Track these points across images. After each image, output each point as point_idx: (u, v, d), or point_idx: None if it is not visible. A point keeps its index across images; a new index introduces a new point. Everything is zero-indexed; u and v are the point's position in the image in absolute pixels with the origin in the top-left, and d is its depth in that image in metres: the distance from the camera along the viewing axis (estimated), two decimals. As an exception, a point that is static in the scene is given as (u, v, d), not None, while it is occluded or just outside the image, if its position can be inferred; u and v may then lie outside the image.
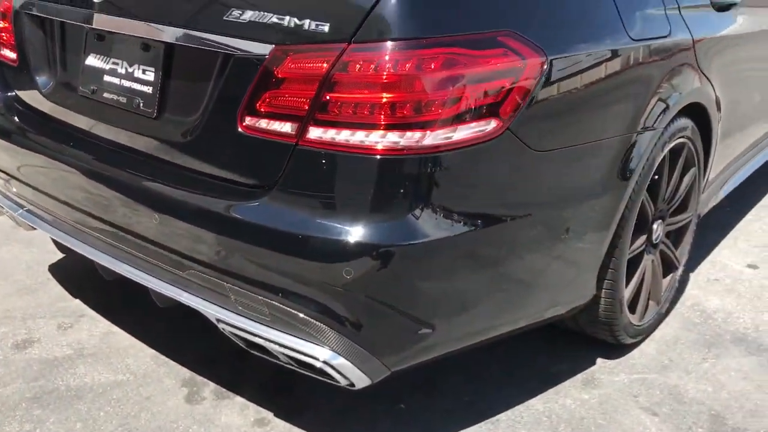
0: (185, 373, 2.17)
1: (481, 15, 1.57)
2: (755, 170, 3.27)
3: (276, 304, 1.60)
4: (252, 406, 2.03)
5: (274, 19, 1.56)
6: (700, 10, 2.26)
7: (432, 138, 1.50)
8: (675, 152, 2.24)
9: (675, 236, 2.50)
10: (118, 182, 1.87)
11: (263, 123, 1.60)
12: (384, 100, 1.48)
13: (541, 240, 1.78)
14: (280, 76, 1.56)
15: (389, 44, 1.47)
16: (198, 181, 1.73)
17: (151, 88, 1.83)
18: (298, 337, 1.62)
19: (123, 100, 1.90)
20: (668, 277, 2.49)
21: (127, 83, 1.89)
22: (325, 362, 1.59)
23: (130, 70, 1.89)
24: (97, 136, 1.99)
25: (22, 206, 2.23)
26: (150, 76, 1.84)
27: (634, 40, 1.89)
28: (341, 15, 1.51)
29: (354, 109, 1.50)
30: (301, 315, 1.57)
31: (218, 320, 1.74)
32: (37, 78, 2.14)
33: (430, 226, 1.53)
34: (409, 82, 1.48)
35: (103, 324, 2.42)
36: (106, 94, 1.95)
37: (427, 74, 1.48)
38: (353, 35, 1.48)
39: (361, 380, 1.62)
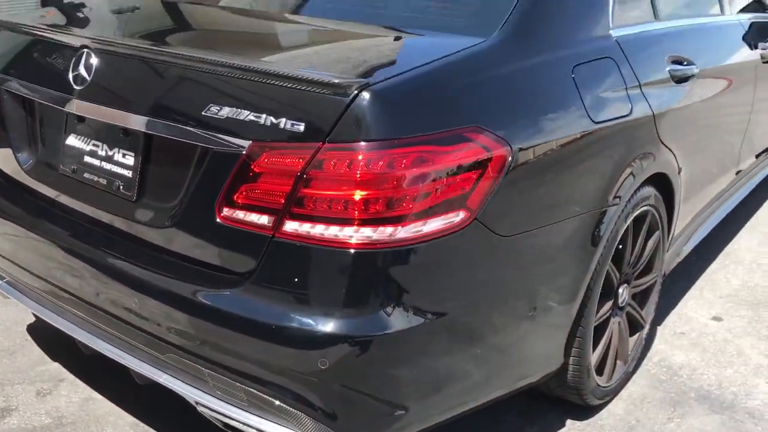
0: (164, 442, 2.21)
1: (448, 114, 1.65)
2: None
3: (253, 391, 1.66)
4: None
5: (252, 117, 1.62)
6: (660, 85, 2.36)
7: (404, 232, 1.57)
8: (639, 220, 2.33)
9: (641, 297, 2.59)
10: (97, 261, 1.92)
11: (240, 214, 1.66)
12: (357, 196, 1.55)
13: (510, 319, 1.86)
14: (256, 170, 1.62)
15: (362, 144, 1.54)
16: (176, 265, 1.79)
17: (131, 172, 1.89)
18: (276, 423, 1.67)
19: (103, 181, 1.95)
20: (635, 336, 2.58)
21: (107, 165, 1.95)
22: None
23: (110, 153, 1.94)
24: (78, 214, 2.03)
25: (1, 277, 2.26)
26: (130, 160, 1.89)
27: (596, 122, 1.98)
28: (316, 115, 1.58)
29: (329, 204, 1.57)
30: (277, 402, 1.63)
31: (197, 402, 1.79)
32: (18, 154, 2.19)
33: (402, 315, 1.59)
34: (381, 180, 1.55)
35: (83, 389, 2.45)
36: (86, 175, 2.00)
37: (398, 172, 1.55)
38: (328, 135, 1.55)
39: None
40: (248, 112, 1.63)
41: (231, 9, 2.42)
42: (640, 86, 2.22)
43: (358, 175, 1.54)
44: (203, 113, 1.68)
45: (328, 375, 1.57)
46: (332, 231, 1.56)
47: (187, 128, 1.72)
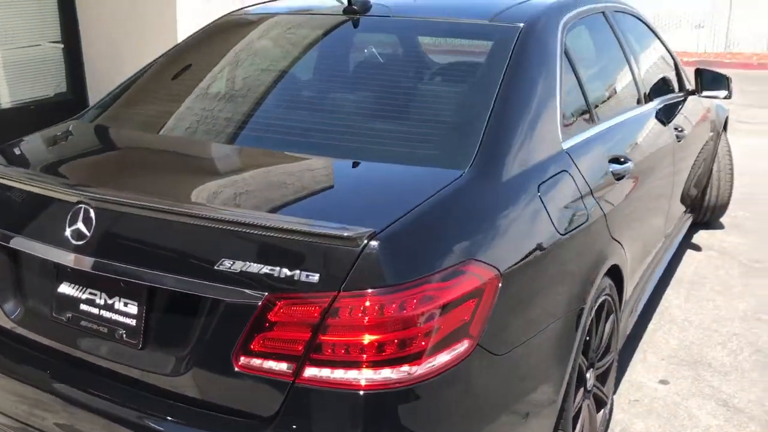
0: None
1: (446, 251, 1.79)
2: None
3: None
4: None
5: (266, 270, 1.71)
6: (606, 187, 2.60)
7: (420, 369, 1.68)
8: (599, 309, 2.54)
9: (602, 375, 2.79)
10: (102, 410, 1.93)
11: (259, 362, 1.73)
12: (374, 340, 1.66)
13: (507, 429, 1.99)
14: (273, 320, 1.71)
15: (374, 290, 1.65)
16: (190, 412, 1.83)
17: (134, 321, 1.93)
18: None
19: (104, 330, 1.97)
20: (600, 413, 2.77)
21: (107, 314, 1.98)
22: None
23: (109, 301, 1.97)
24: (76, 361, 2.04)
25: None
26: (132, 309, 1.93)
27: (562, 234, 2.18)
28: (329, 266, 1.68)
29: (347, 349, 1.67)
30: None
31: None
32: (3, 305, 2.17)
33: None
34: (395, 322, 1.66)
35: None
36: (83, 323, 2.01)
37: (409, 313, 1.67)
38: (342, 284, 1.66)
39: None
40: (261, 265, 1.72)
41: (199, 145, 2.44)
42: (591, 192, 2.44)
43: (373, 320, 1.65)
44: (215, 267, 1.76)
45: None
46: (352, 374, 1.66)
47: (198, 281, 1.78)
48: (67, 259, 1.97)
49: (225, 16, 3.13)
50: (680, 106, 3.90)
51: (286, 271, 1.70)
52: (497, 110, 2.18)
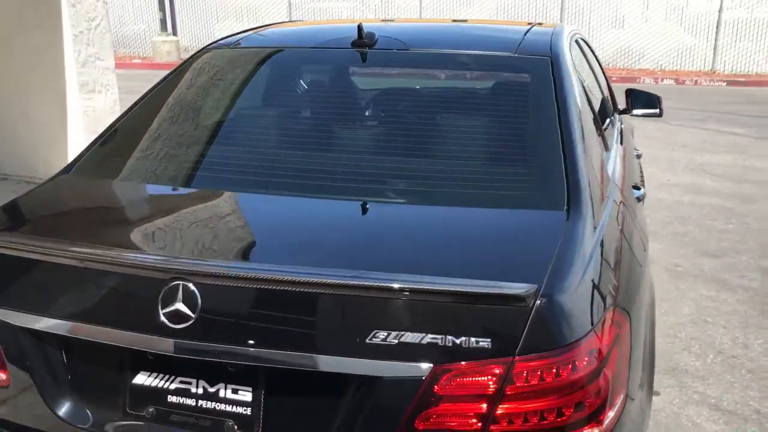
0: None
1: (599, 303, 1.71)
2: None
3: None
4: None
5: (428, 339, 1.55)
6: (637, 213, 2.65)
7: (605, 425, 1.60)
8: None
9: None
10: None
11: (428, 442, 1.57)
12: (552, 405, 1.56)
13: None
14: (441, 394, 1.55)
15: (549, 353, 1.55)
16: None
17: (249, 409, 1.68)
18: None
19: (205, 423, 1.70)
20: None
21: (208, 404, 1.71)
22: None
23: (211, 389, 1.71)
24: None
25: None
26: (245, 396, 1.68)
27: (642, 266, 2.19)
28: (500, 329, 1.56)
29: (525, 417, 1.55)
30: None
31: None
32: (48, 400, 1.81)
33: None
34: (570, 385, 1.57)
35: None
36: (174, 417, 1.73)
37: (581, 373, 1.58)
38: (517, 348, 1.54)
39: None
40: (422, 334, 1.56)
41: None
42: (634, 219, 2.47)
43: (551, 384, 1.55)
44: (366, 341, 1.57)
45: None
46: (552, 442, 1.55)
47: (342, 359, 1.58)
48: (158, 345, 1.68)
49: (216, 49, 2.84)
50: (621, 125, 4.09)
51: (452, 339, 1.55)
52: (566, 145, 2.14)
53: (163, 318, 1.66)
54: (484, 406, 1.55)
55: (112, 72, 6.01)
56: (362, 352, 1.57)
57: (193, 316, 1.64)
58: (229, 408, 1.69)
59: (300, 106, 2.66)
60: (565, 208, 1.95)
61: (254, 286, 1.66)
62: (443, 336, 1.55)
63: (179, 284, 1.65)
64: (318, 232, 1.94)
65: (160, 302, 1.66)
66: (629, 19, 17.38)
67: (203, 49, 2.89)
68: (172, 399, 1.73)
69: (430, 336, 1.55)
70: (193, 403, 1.72)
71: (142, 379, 1.76)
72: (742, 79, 15.36)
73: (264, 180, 2.20)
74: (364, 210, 2.03)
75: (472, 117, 2.48)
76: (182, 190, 2.26)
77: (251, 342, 1.63)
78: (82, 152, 2.47)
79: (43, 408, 1.81)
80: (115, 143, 2.50)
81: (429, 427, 1.57)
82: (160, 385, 1.74)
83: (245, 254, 1.81)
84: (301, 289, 1.63)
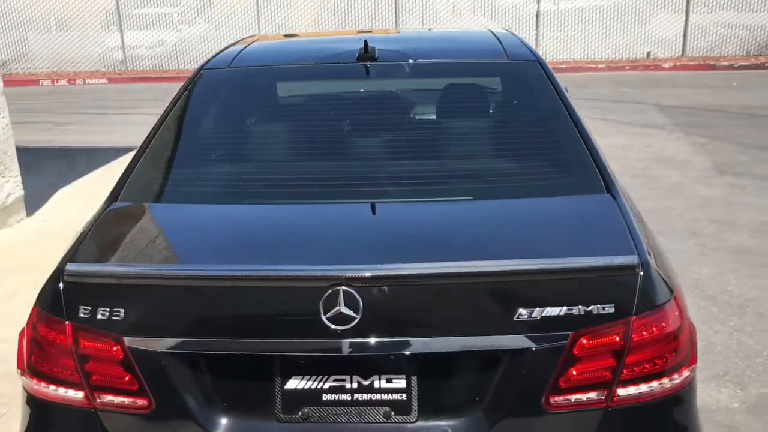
0: None
1: (670, 267, 2.07)
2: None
3: None
4: None
5: (564, 311, 1.83)
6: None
7: (690, 373, 1.95)
8: None
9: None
10: None
11: (570, 398, 1.85)
12: (672, 350, 1.89)
13: None
14: (579, 355, 1.84)
15: (654, 310, 1.88)
16: None
17: (404, 395, 1.87)
18: None
19: (361, 415, 1.87)
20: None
21: (363, 396, 1.88)
22: None
23: (365, 383, 1.88)
24: None
25: None
26: (399, 384, 1.87)
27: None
28: (620, 296, 1.86)
29: (649, 364, 1.87)
30: None
31: None
32: (200, 421, 1.88)
33: None
34: (678, 332, 1.91)
35: None
36: (330, 414, 1.88)
37: (680, 321, 1.92)
38: (633, 309, 1.86)
39: None
40: (559, 308, 1.83)
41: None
42: None
43: (670, 333, 1.88)
44: (514, 319, 1.81)
45: None
46: (660, 383, 1.88)
47: (492, 337, 1.83)
48: (321, 347, 1.82)
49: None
50: None
51: (583, 308, 1.84)
52: (582, 135, 2.50)
53: (326, 321, 1.80)
54: (614, 360, 1.85)
55: (2, 94, 5.65)
56: (511, 329, 1.82)
57: (357, 316, 1.80)
58: (385, 396, 1.87)
59: (337, 118, 2.81)
60: (605, 190, 2.29)
61: (406, 283, 1.85)
62: (577, 306, 1.83)
63: (339, 289, 1.80)
64: (430, 231, 2.15)
65: (321, 308, 1.80)
66: (443, 13, 18.42)
67: (204, 68, 2.94)
68: (326, 397, 1.88)
69: (565, 308, 1.83)
70: (349, 398, 1.88)
71: (294, 383, 1.88)
72: (563, 66, 16.85)
73: (354, 190, 2.36)
74: (447, 208, 2.27)
75: (497, 119, 2.77)
76: (268, 206, 2.36)
77: (409, 333, 1.83)
78: (119, 182, 2.46)
79: (195, 427, 1.88)
80: (154, 168, 2.52)
81: (571, 384, 1.85)
82: (313, 387, 1.88)
83: (385, 257, 1.97)
84: (449, 281, 1.85)
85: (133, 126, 11.13)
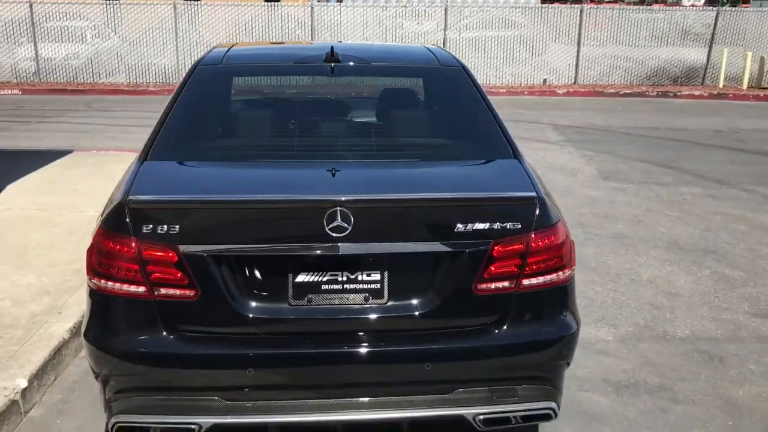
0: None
1: (555, 201, 3.00)
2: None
3: (524, 386, 2.74)
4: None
5: (487, 226, 2.69)
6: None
7: (569, 272, 2.86)
8: None
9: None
10: (353, 357, 2.66)
11: (490, 285, 2.71)
12: (560, 256, 2.78)
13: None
14: (496, 256, 2.71)
15: (549, 228, 2.78)
16: (441, 334, 2.70)
17: (378, 285, 2.69)
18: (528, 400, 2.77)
19: (349, 299, 2.68)
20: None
21: (350, 286, 2.68)
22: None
23: (352, 276, 2.68)
24: (326, 332, 2.67)
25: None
26: (375, 277, 2.69)
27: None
28: (523, 217, 2.74)
29: (543, 263, 2.77)
30: (523, 386, 2.76)
31: (475, 416, 2.72)
32: (234, 304, 2.63)
33: (574, 317, 2.90)
34: (562, 244, 2.81)
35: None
36: (325, 301, 2.67)
37: (564, 237, 2.83)
38: (533, 227, 2.75)
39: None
40: (485, 224, 2.69)
41: None
42: None
43: (551, 244, 2.78)
44: (455, 230, 2.67)
45: (560, 356, 2.79)
46: (550, 277, 2.77)
47: (441, 242, 2.68)
48: (322, 249, 2.62)
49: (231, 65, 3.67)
50: None
51: (500, 224, 2.72)
52: (494, 116, 3.41)
53: (328, 231, 2.60)
54: (520, 260, 2.73)
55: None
56: (451, 238, 2.67)
57: (349, 227, 2.61)
58: (365, 286, 2.68)
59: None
60: (513, 156, 3.21)
61: (381, 206, 2.68)
62: (495, 224, 2.71)
63: (337, 209, 2.61)
64: (395, 176, 3.01)
65: (325, 221, 2.60)
66: (354, 39, 19.47)
67: (200, 64, 3.69)
68: (325, 287, 2.67)
69: (488, 224, 2.70)
70: (340, 287, 2.68)
71: (301, 278, 2.67)
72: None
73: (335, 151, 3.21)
74: (403, 164, 3.14)
75: (433, 107, 3.66)
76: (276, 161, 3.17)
77: (382, 240, 2.65)
78: (145, 149, 3.15)
79: (230, 310, 2.63)
80: (172, 137, 3.23)
81: (491, 276, 2.71)
82: (315, 280, 2.67)
83: (367, 189, 2.78)
84: (409, 205, 2.70)
85: (63, 133, 11.50)
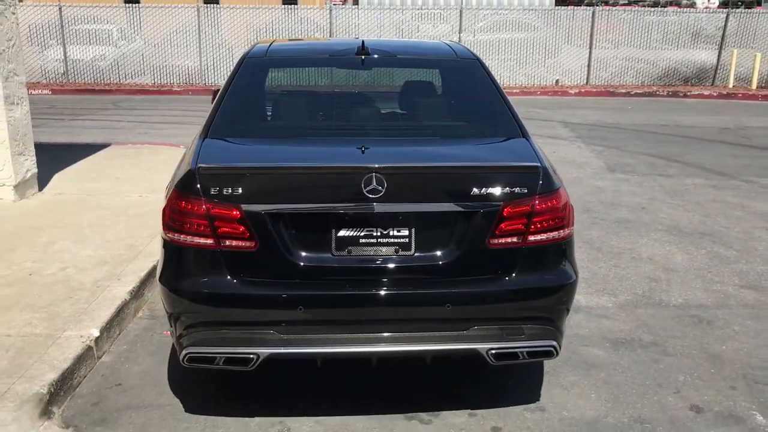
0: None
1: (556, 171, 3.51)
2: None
3: (528, 326, 3.25)
4: (461, 409, 3.47)
5: (499, 189, 3.20)
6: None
7: (569, 230, 3.37)
8: None
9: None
10: (386, 298, 3.17)
11: (502, 240, 3.22)
12: (561, 216, 3.29)
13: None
14: (506, 215, 3.21)
15: (553, 192, 3.28)
16: (454, 281, 3.21)
17: (406, 239, 3.20)
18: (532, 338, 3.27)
19: (383, 251, 3.19)
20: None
21: (383, 240, 3.20)
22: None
23: (385, 232, 3.20)
24: (362, 278, 3.19)
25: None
26: (404, 233, 3.20)
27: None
28: (529, 183, 3.25)
29: (546, 223, 3.27)
30: (530, 325, 3.26)
31: (488, 350, 3.23)
32: (286, 254, 3.15)
33: (573, 269, 3.40)
34: (562, 208, 3.31)
35: (307, 417, 3.42)
36: (362, 252, 3.19)
37: (565, 200, 3.33)
38: (537, 192, 3.25)
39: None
40: (497, 188, 3.20)
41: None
42: None
43: (553, 206, 3.28)
44: (470, 194, 3.18)
45: (561, 302, 3.29)
46: (552, 234, 3.28)
47: (457, 203, 3.19)
48: (360, 209, 3.14)
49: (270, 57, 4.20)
50: None
51: (509, 189, 3.22)
52: (506, 102, 3.92)
53: (365, 193, 3.12)
54: (526, 219, 3.24)
55: (24, 86, 6.70)
56: (469, 200, 3.18)
57: (382, 190, 3.13)
58: (395, 240, 3.20)
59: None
60: (522, 135, 3.71)
61: (410, 173, 3.20)
62: (505, 188, 3.21)
63: (373, 175, 3.13)
64: (422, 149, 3.54)
65: (363, 184, 3.12)
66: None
67: (247, 57, 4.22)
68: (362, 241, 3.19)
69: (499, 189, 3.21)
70: (375, 241, 3.20)
71: (342, 233, 3.19)
72: (482, 90, 18.65)
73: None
74: (427, 141, 3.67)
75: (452, 94, 4.18)
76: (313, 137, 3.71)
77: (411, 201, 3.17)
78: (204, 128, 3.68)
79: (283, 259, 3.15)
80: (228, 119, 3.76)
81: (502, 233, 3.21)
82: (354, 234, 3.19)
83: (398, 159, 3.31)
84: (435, 172, 3.23)
85: (96, 129, 12.12)
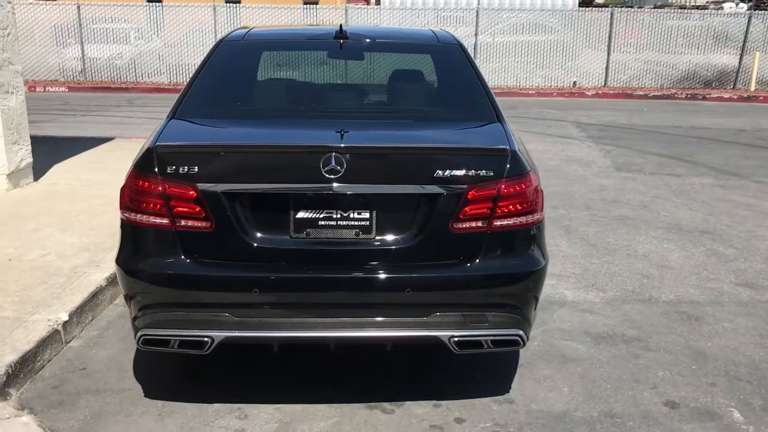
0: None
1: (529, 155, 3.39)
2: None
3: (491, 313, 3.13)
4: (426, 399, 3.36)
5: (463, 172, 3.09)
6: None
7: (539, 215, 3.25)
8: None
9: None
10: (345, 282, 3.08)
11: (465, 224, 3.11)
12: (528, 201, 3.17)
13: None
14: (471, 199, 3.10)
15: (520, 176, 3.16)
16: (425, 266, 3.10)
17: (367, 222, 3.11)
18: (496, 326, 3.15)
19: (343, 234, 3.10)
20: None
21: (343, 222, 3.10)
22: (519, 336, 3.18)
23: (345, 214, 3.10)
24: (321, 261, 3.09)
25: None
26: (365, 215, 3.11)
27: None
28: (495, 166, 3.13)
29: (512, 207, 3.16)
30: (493, 313, 3.14)
31: (450, 338, 3.12)
32: (243, 235, 3.06)
33: (542, 255, 3.28)
34: (531, 191, 3.19)
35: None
36: (321, 235, 3.09)
37: (534, 184, 3.22)
38: (504, 175, 3.14)
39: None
40: (461, 171, 3.10)
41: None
42: None
43: (521, 191, 3.17)
44: (434, 176, 3.08)
45: (527, 289, 3.17)
46: (519, 220, 3.16)
47: (421, 185, 3.08)
48: (319, 189, 3.05)
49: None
50: None
51: (474, 171, 3.11)
52: (484, 88, 3.81)
53: (324, 173, 3.03)
54: (491, 204, 3.12)
55: (20, 75, 6.71)
56: (432, 182, 3.08)
57: (342, 170, 3.03)
58: (356, 223, 3.10)
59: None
60: (497, 120, 3.60)
61: (370, 153, 3.11)
62: (471, 171, 3.11)
63: (332, 154, 3.04)
64: (387, 131, 3.44)
65: (322, 164, 3.03)
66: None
67: (224, 41, 4.16)
68: (321, 223, 3.10)
69: (464, 171, 3.10)
70: (335, 224, 3.10)
71: (301, 214, 3.10)
72: (498, 91, 18.51)
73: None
74: (396, 124, 3.57)
75: (430, 78, 4.08)
76: (279, 117, 3.64)
77: (371, 182, 3.07)
78: (174, 109, 3.62)
79: (240, 240, 3.07)
80: (197, 100, 3.70)
81: (466, 217, 3.10)
82: (313, 216, 3.10)
83: (360, 139, 3.22)
84: (396, 153, 3.13)
85: (105, 124, 12.17)
